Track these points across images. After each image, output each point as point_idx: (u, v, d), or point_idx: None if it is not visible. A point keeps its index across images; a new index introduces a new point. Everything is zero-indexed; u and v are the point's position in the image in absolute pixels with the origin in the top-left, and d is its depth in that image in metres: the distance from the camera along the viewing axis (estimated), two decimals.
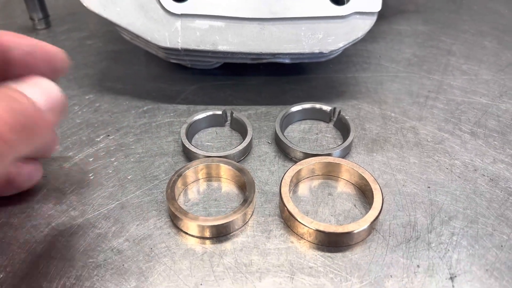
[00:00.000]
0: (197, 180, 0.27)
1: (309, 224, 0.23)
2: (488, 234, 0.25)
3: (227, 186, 0.27)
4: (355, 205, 0.26)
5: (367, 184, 0.26)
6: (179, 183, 0.26)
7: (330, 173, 0.28)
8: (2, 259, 0.23)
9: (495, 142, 0.31)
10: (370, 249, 0.24)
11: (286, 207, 0.24)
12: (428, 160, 0.29)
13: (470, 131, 0.32)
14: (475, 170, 0.29)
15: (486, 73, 0.38)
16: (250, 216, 0.25)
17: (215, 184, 0.27)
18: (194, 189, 0.27)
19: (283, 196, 0.25)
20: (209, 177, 0.28)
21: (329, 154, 0.28)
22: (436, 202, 0.26)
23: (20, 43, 0.21)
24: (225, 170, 0.27)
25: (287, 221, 0.25)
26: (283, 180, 0.26)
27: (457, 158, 0.29)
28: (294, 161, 0.29)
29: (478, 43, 0.42)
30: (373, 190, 0.25)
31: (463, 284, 0.22)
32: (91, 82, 0.36)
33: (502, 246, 0.24)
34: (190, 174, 0.27)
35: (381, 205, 0.24)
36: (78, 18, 0.45)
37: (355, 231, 0.23)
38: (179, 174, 0.26)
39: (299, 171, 0.27)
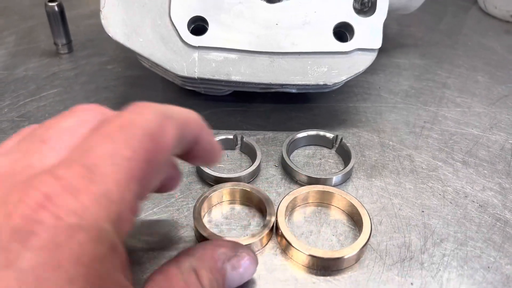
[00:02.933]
0: (221, 202, 0.30)
1: (304, 250, 0.25)
2: (477, 256, 0.27)
3: (246, 209, 0.30)
4: (350, 227, 0.28)
5: (356, 211, 0.28)
6: (204, 205, 0.28)
7: (322, 200, 0.30)
8: None
9: (485, 171, 0.33)
10: (368, 267, 0.26)
11: (284, 236, 0.26)
12: (422, 186, 0.32)
13: (462, 160, 0.34)
14: (466, 196, 0.31)
15: (478, 106, 0.41)
16: (268, 239, 0.27)
17: (237, 207, 0.30)
18: (217, 211, 0.29)
19: (280, 226, 0.27)
20: (232, 200, 0.30)
21: (331, 179, 0.31)
22: (429, 225, 0.29)
23: (206, 141, 0.22)
24: (247, 195, 0.29)
25: (285, 249, 0.27)
26: (279, 210, 0.28)
27: (449, 185, 0.32)
28: (300, 184, 0.31)
29: (471, 78, 0.45)
30: (362, 216, 0.27)
31: None
32: (112, 105, 0.38)
33: (489, 267, 0.26)
34: (214, 197, 0.29)
35: (370, 230, 0.26)
36: (98, 44, 0.48)
37: (345, 256, 0.25)
38: (204, 197, 0.28)
39: (293, 200, 0.29)
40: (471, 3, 0.63)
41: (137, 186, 0.16)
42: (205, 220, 0.28)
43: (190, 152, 0.21)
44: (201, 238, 0.26)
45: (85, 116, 0.18)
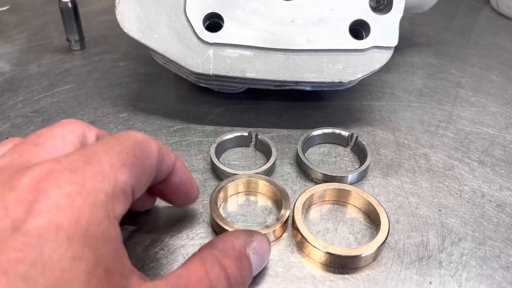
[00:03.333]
0: (237, 193, 0.30)
1: (321, 248, 0.25)
2: (495, 256, 0.27)
3: (262, 201, 0.30)
4: (367, 226, 0.28)
5: (373, 209, 0.28)
6: (221, 195, 0.28)
7: (339, 198, 0.30)
8: None
9: (502, 171, 0.33)
10: (386, 266, 0.26)
11: (301, 234, 0.26)
12: (439, 185, 0.31)
13: (478, 159, 0.34)
14: (483, 196, 0.31)
15: (493, 105, 0.40)
16: (282, 232, 0.27)
17: (252, 198, 0.30)
18: (233, 201, 0.30)
19: (297, 223, 0.26)
20: (248, 191, 0.30)
21: (347, 177, 0.31)
22: (446, 224, 0.28)
23: (183, 171, 0.24)
24: (264, 186, 0.29)
25: (301, 246, 0.27)
26: (295, 207, 0.27)
27: (466, 184, 0.32)
28: (315, 182, 0.31)
29: (485, 77, 0.45)
30: (379, 214, 0.27)
31: None
32: (125, 101, 0.39)
33: (508, 267, 0.26)
34: (231, 187, 0.29)
35: (388, 228, 0.26)
36: (111, 40, 0.48)
37: (363, 254, 0.25)
38: (221, 187, 0.29)
39: (310, 197, 0.29)
40: (484, 3, 0.62)
41: (128, 173, 0.18)
42: (220, 210, 0.28)
43: (169, 182, 0.24)
44: (217, 227, 0.26)
45: (72, 127, 0.21)
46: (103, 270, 0.15)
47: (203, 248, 0.21)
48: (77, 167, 0.17)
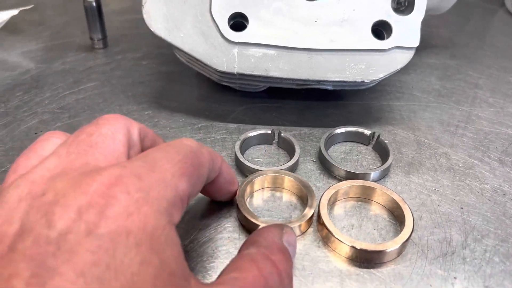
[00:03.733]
0: (263, 188, 0.31)
1: (348, 242, 0.26)
2: None
3: (287, 196, 0.30)
4: (391, 222, 0.29)
5: (397, 206, 0.28)
6: (247, 190, 0.29)
7: (362, 195, 0.30)
8: None
9: None
10: (410, 261, 0.26)
11: (327, 228, 0.27)
12: (460, 183, 0.32)
13: (498, 159, 0.34)
14: (504, 194, 0.31)
15: (511, 106, 0.41)
16: (307, 227, 0.28)
17: (277, 194, 0.31)
18: (258, 196, 0.30)
19: (323, 218, 0.27)
20: (274, 187, 0.31)
21: (370, 174, 0.31)
22: (469, 221, 0.29)
23: (227, 172, 0.26)
24: (289, 182, 0.30)
25: (327, 241, 0.27)
26: (320, 203, 0.28)
27: (487, 183, 0.32)
28: (338, 179, 0.32)
29: (502, 78, 0.45)
30: (403, 210, 0.28)
31: None
32: (149, 99, 0.40)
33: None
34: (257, 182, 0.30)
35: (412, 224, 0.27)
36: (132, 39, 0.49)
37: (388, 250, 0.25)
38: (248, 182, 0.29)
39: (334, 194, 0.29)
40: (499, 6, 0.63)
41: (187, 182, 0.19)
42: (247, 204, 0.29)
43: (214, 182, 0.25)
44: (245, 221, 0.27)
45: (118, 124, 0.21)
46: (168, 274, 0.16)
47: (247, 247, 0.22)
48: (142, 173, 0.18)
